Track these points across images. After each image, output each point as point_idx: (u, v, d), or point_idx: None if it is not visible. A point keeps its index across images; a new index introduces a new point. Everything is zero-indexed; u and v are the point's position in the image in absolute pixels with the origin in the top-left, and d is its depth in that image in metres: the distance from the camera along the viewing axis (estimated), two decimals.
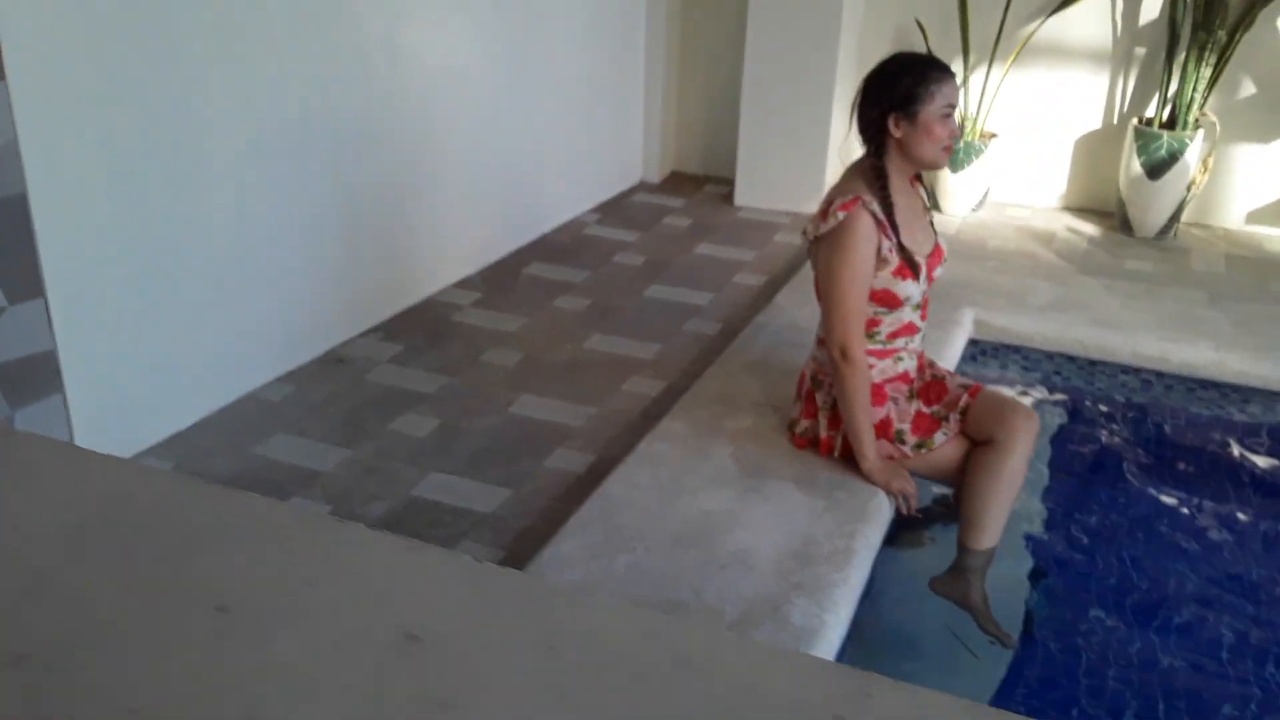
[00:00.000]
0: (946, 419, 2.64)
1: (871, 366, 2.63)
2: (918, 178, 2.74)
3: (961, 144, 4.66)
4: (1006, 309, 3.74)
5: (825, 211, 2.50)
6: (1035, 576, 2.74)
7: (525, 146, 4.48)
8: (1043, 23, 4.61)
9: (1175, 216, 4.49)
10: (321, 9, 3.31)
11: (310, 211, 3.39)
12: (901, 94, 2.45)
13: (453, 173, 4.06)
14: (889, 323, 2.61)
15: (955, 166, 4.70)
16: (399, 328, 3.76)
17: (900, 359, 2.67)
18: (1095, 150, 4.79)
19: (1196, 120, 4.39)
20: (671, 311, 3.93)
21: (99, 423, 2.75)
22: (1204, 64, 4.25)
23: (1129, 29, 4.59)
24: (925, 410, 2.67)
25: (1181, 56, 4.32)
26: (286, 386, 3.33)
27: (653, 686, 0.81)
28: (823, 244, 2.52)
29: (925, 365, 2.79)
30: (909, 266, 2.52)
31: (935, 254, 2.65)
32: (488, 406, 3.24)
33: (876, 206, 2.48)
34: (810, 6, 4.63)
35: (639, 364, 3.51)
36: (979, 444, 2.59)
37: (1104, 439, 3.43)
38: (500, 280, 4.21)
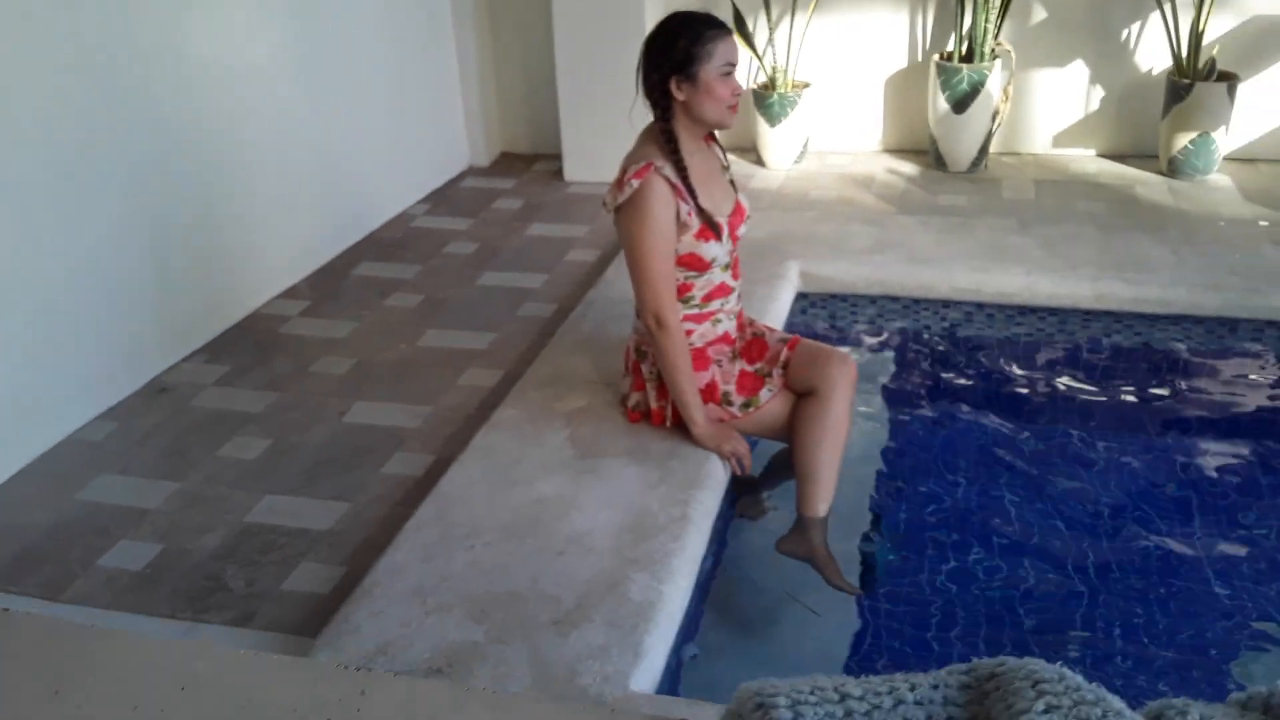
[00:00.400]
0: (770, 375, 2.69)
1: (691, 332, 2.66)
2: (712, 136, 2.76)
3: (775, 97, 4.72)
4: (828, 257, 3.82)
5: (620, 181, 2.50)
6: (878, 522, 2.83)
7: (339, 144, 4.36)
8: None
9: (984, 148, 4.65)
10: (83, 26, 3.14)
11: (108, 241, 3.22)
12: (679, 56, 2.45)
13: (262, 180, 3.92)
14: (700, 285, 2.63)
15: (771, 120, 4.76)
16: (224, 347, 3.63)
17: (719, 320, 2.70)
18: (905, 90, 4.92)
19: (993, 50, 4.54)
20: (505, 298, 3.89)
21: None
22: None
23: None
24: (749, 369, 2.71)
25: None
26: (109, 423, 3.19)
27: (151, 714, 0.81)
28: (621, 214, 2.53)
29: (745, 324, 2.83)
30: (710, 228, 2.54)
31: (737, 212, 2.67)
32: (319, 419, 3.16)
33: (670, 171, 2.49)
34: None
35: (474, 355, 3.48)
36: (802, 396, 2.65)
37: (932, 377, 3.56)
38: (328, 285, 4.11)
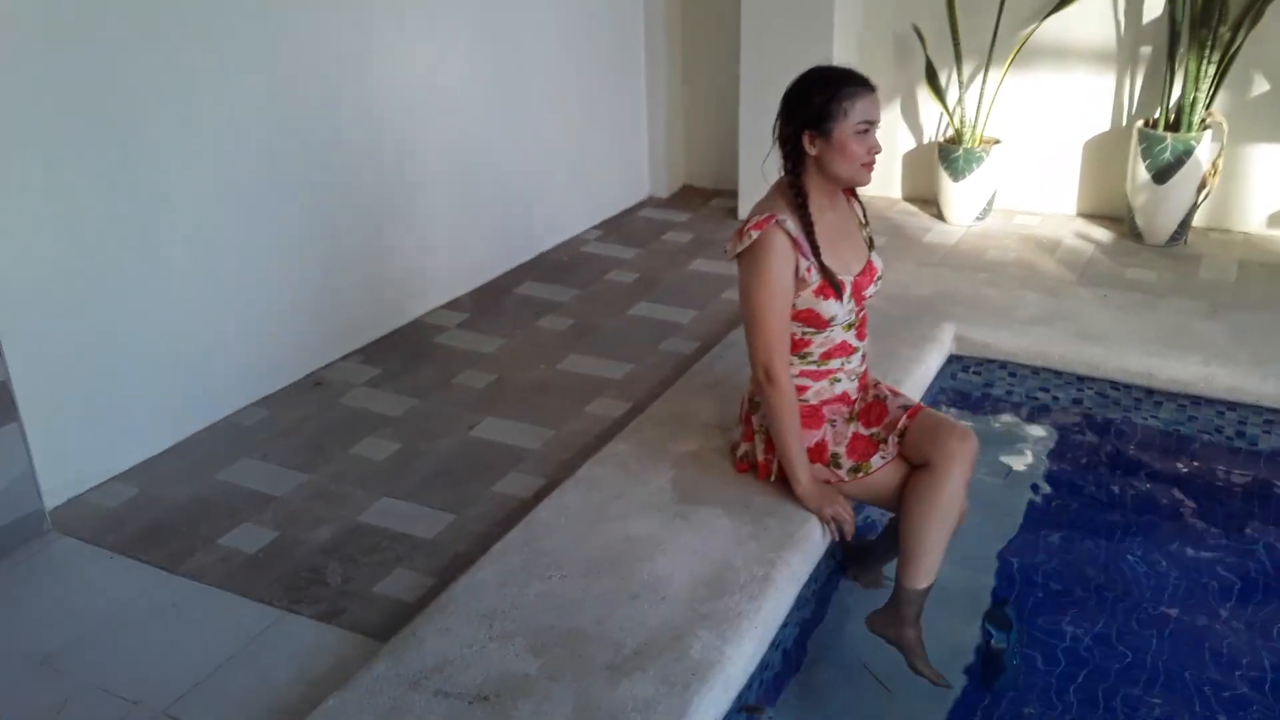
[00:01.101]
0: (885, 441, 2.57)
1: (806, 388, 2.58)
2: (852, 192, 2.68)
3: (960, 151, 4.54)
4: (989, 323, 3.63)
5: (741, 230, 2.47)
6: (1002, 615, 2.64)
7: (519, 165, 4.51)
8: (1039, 24, 4.47)
9: (1186, 222, 4.31)
10: (288, 32, 3.38)
11: (284, 240, 3.46)
12: (814, 111, 2.40)
13: (439, 195, 4.11)
14: (819, 343, 2.55)
15: (954, 175, 4.59)
16: (381, 350, 3.82)
17: (837, 380, 2.61)
18: (1105, 154, 4.63)
19: (1203, 121, 4.20)
20: (652, 330, 3.91)
21: (59, 451, 2.86)
22: (1206, 62, 4.07)
23: (1132, 27, 4.42)
24: (863, 432, 2.61)
25: (1183, 55, 4.14)
26: (262, 411, 3.41)
27: None
28: (740, 263, 2.49)
29: (869, 386, 2.72)
30: (830, 286, 2.47)
31: (866, 272, 2.58)
32: (449, 429, 3.27)
33: (793, 224, 2.43)
34: (804, 15, 4.57)
35: (607, 384, 3.51)
36: (916, 468, 2.53)
37: (1087, 462, 3.31)
38: (489, 301, 4.25)
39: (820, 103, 2.39)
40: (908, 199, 5.13)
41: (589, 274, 4.49)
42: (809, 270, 2.45)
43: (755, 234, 2.43)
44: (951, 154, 4.57)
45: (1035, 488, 3.17)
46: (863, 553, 2.77)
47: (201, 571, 2.63)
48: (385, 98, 3.78)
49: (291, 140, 3.44)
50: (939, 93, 4.61)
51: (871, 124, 2.42)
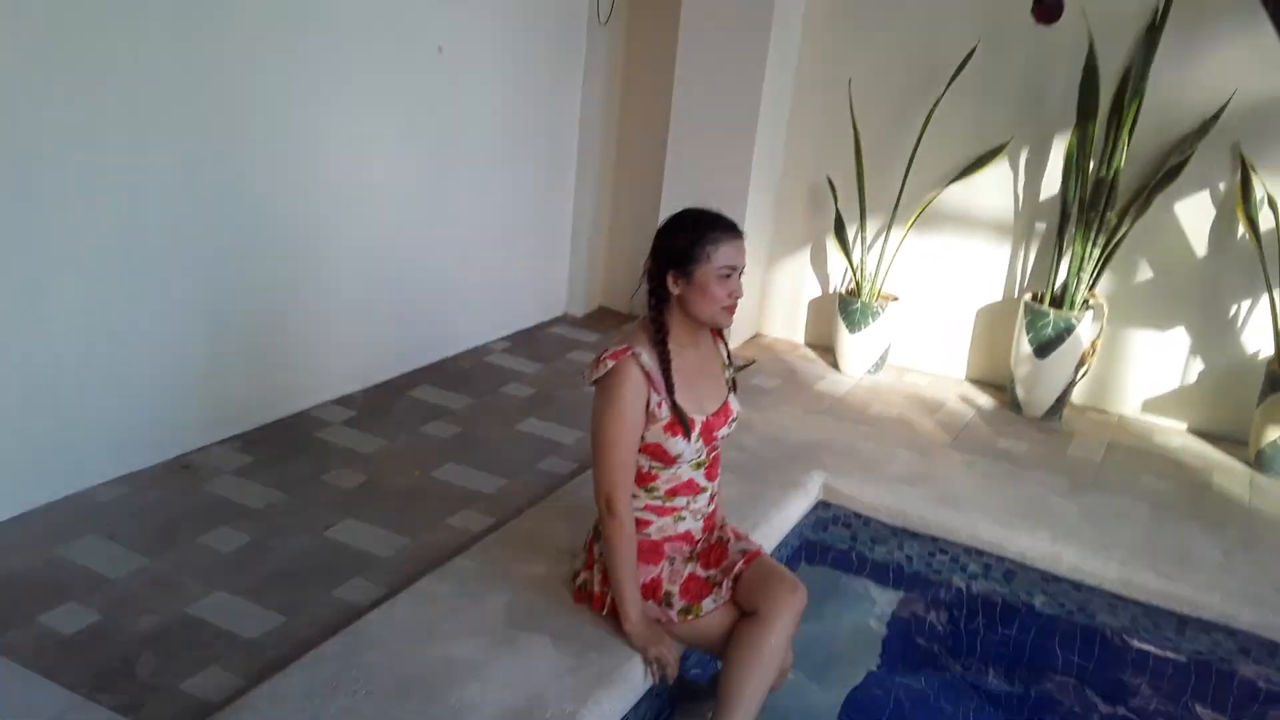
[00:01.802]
0: (719, 585, 2.60)
1: (650, 523, 2.62)
2: (718, 333, 2.76)
3: (858, 304, 4.70)
4: (856, 476, 3.71)
5: (599, 358, 2.53)
6: None
7: (434, 267, 4.58)
8: (942, 190, 4.70)
9: (1063, 398, 4.47)
10: (209, 101, 3.44)
11: (171, 315, 3.47)
12: (679, 252, 2.48)
13: (345, 288, 4.15)
14: (666, 479, 2.60)
15: (851, 326, 4.74)
16: (260, 439, 3.80)
17: (681, 518, 2.65)
18: (995, 323, 4.82)
19: (1086, 301, 4.40)
20: (535, 446, 3.94)
21: None
22: (1091, 244, 4.28)
23: (1030, 202, 4.66)
24: (700, 574, 2.63)
25: (1071, 235, 4.36)
26: (122, 488, 3.37)
27: None
28: (595, 392, 2.54)
29: (716, 526, 2.77)
30: (680, 423, 2.52)
31: (720, 414, 2.64)
32: (306, 527, 3.24)
33: (648, 359, 2.50)
34: (724, 157, 4.76)
35: (476, 498, 3.52)
36: (745, 615, 2.56)
37: (930, 625, 3.36)
38: (381, 400, 4.26)
39: (685, 245, 2.48)
40: (809, 344, 5.27)
41: (487, 384, 4.53)
42: (659, 405, 2.51)
43: (610, 363, 2.49)
44: (850, 306, 4.73)
45: (879, 646, 3.21)
46: (691, 697, 2.76)
47: (11, 647, 2.56)
48: (302, 182, 3.84)
49: (195, 213, 3.46)
50: (845, 245, 4.78)
51: (734, 269, 2.50)
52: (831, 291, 5.14)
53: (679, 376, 2.55)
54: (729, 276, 2.50)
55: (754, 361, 4.94)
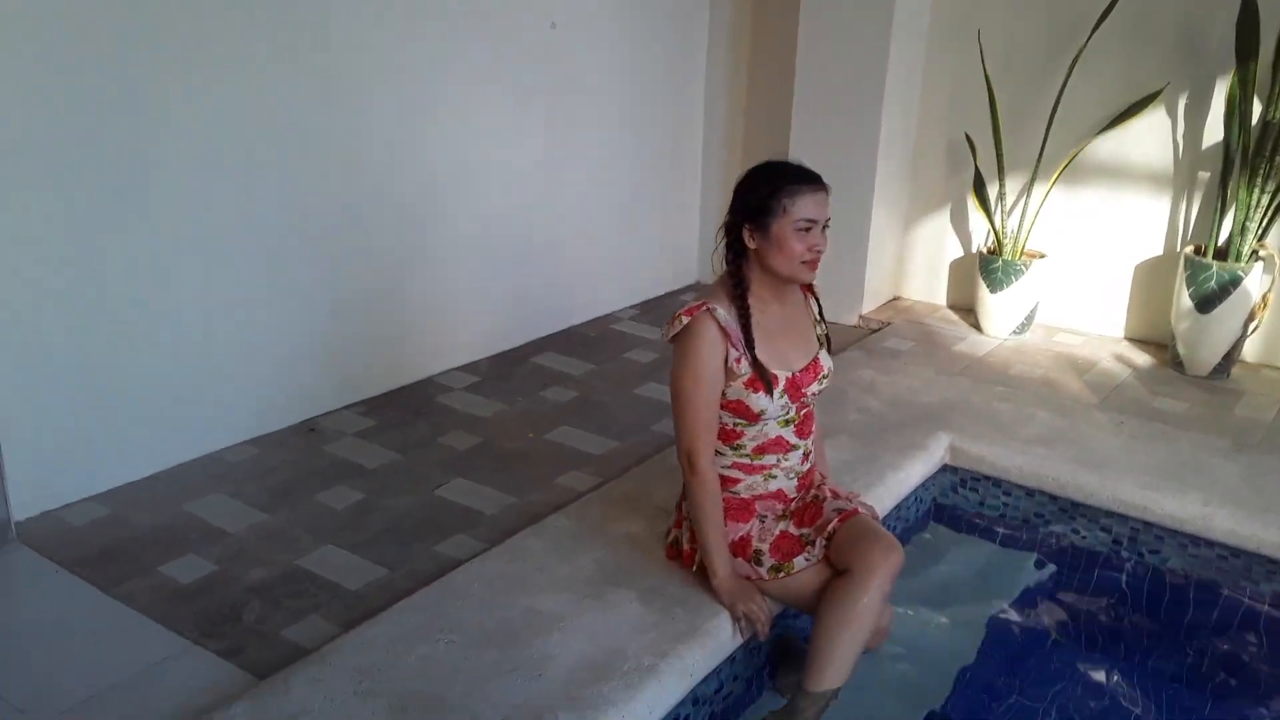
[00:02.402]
0: (812, 543, 2.48)
1: (738, 481, 2.53)
2: (809, 288, 2.64)
3: (1000, 262, 4.42)
4: (987, 438, 3.48)
5: (675, 316, 2.45)
6: None
7: (557, 243, 4.60)
8: (1090, 141, 4.36)
9: (1231, 355, 4.06)
10: (329, 82, 3.55)
11: (298, 287, 3.60)
12: (755, 205, 2.38)
13: (470, 259, 4.22)
14: (752, 436, 2.50)
15: (992, 286, 4.46)
16: (383, 404, 3.90)
17: (773, 476, 2.54)
18: (1155, 278, 4.44)
19: (1254, 252, 3.99)
20: (650, 410, 3.89)
21: (39, 466, 3.00)
22: (1260, 191, 3.88)
23: (1190, 151, 4.27)
24: (793, 532, 2.52)
25: (1236, 183, 3.96)
26: (251, 449, 3.52)
27: None
28: (674, 349, 2.46)
29: (812, 485, 2.64)
30: (761, 379, 2.42)
31: (809, 370, 2.51)
32: (417, 487, 3.30)
33: (725, 314, 2.40)
34: (852, 118, 4.57)
35: (586, 459, 3.49)
36: (838, 574, 2.43)
37: (1067, 593, 3.12)
38: (505, 367, 4.30)
39: (761, 197, 2.37)
40: (951, 306, 5.01)
41: (610, 351, 4.51)
42: (739, 361, 2.41)
43: (685, 319, 2.41)
44: (991, 265, 4.46)
45: (1009, 613, 2.99)
46: (793, 656, 2.65)
47: (132, 596, 2.70)
48: (418, 160, 3.91)
49: (312, 192, 3.58)
50: (984, 203, 4.51)
51: (814, 222, 2.38)
52: (973, 251, 4.86)
53: (761, 333, 2.44)
54: (808, 230, 2.37)
55: (887, 324, 4.73)
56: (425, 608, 2.50)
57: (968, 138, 4.55)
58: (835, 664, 2.33)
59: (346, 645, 2.36)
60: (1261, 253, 4.03)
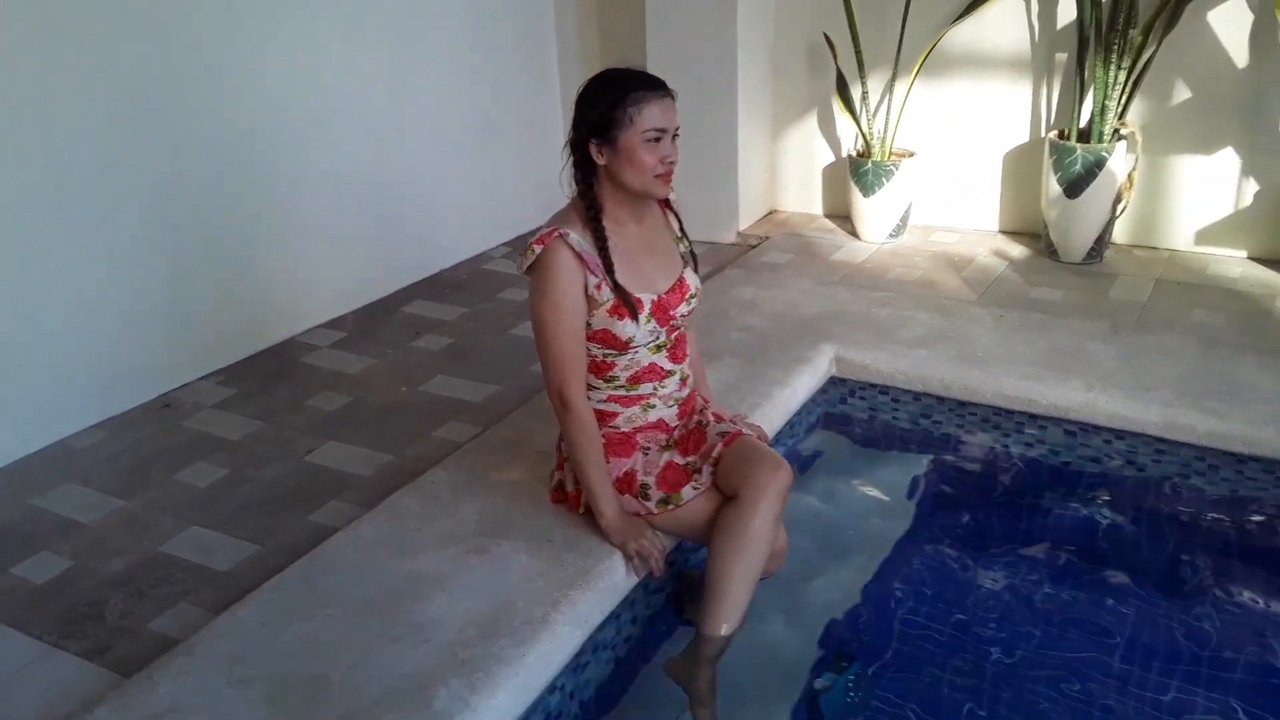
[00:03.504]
0: (699, 471, 2.39)
1: (616, 414, 2.41)
2: (666, 203, 2.51)
3: (869, 165, 4.36)
4: (870, 345, 3.44)
5: (527, 246, 2.30)
6: (845, 659, 2.44)
7: (418, 178, 4.38)
8: (945, 33, 4.30)
9: (1103, 239, 4.10)
10: (138, 22, 3.25)
11: (123, 256, 3.31)
12: (598, 117, 2.23)
13: (324, 209, 3.97)
14: (624, 365, 2.37)
15: (865, 190, 4.40)
16: (244, 371, 3.67)
17: (651, 406, 2.43)
18: (1023, 167, 4.44)
19: (1116, 131, 4.00)
20: (528, 351, 3.70)
21: None
22: (1116, 69, 3.87)
23: (1046, 32, 4.23)
24: (678, 461, 2.42)
25: (1093, 62, 3.95)
26: (100, 433, 3.27)
27: None
28: (530, 281, 2.32)
29: (694, 411, 2.54)
30: (625, 305, 2.29)
31: (675, 290, 2.39)
32: (285, 454, 3.11)
33: (579, 238, 2.26)
34: (708, 26, 4.42)
35: (464, 408, 3.34)
36: (727, 500, 2.34)
37: (961, 495, 3.10)
38: (372, 320, 4.10)
39: (605, 108, 2.21)
40: (827, 215, 4.95)
41: (482, 292, 4.33)
42: (599, 287, 2.27)
43: (537, 249, 2.26)
44: (861, 168, 4.39)
45: (906, 520, 2.96)
46: (695, 591, 2.57)
47: None
48: (248, 98, 3.63)
49: (130, 145, 3.28)
50: (849, 105, 4.43)
51: (663, 131, 2.23)
52: (844, 155, 4.79)
53: (620, 255, 2.30)
54: (658, 140, 2.22)
55: (765, 238, 4.65)
56: (299, 582, 2.34)
57: (826, 37, 4.45)
58: (732, 599, 2.24)
59: (216, 631, 2.19)
60: (1124, 131, 4.04)
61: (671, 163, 2.27)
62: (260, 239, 3.76)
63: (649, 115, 2.20)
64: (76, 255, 3.18)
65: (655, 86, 2.24)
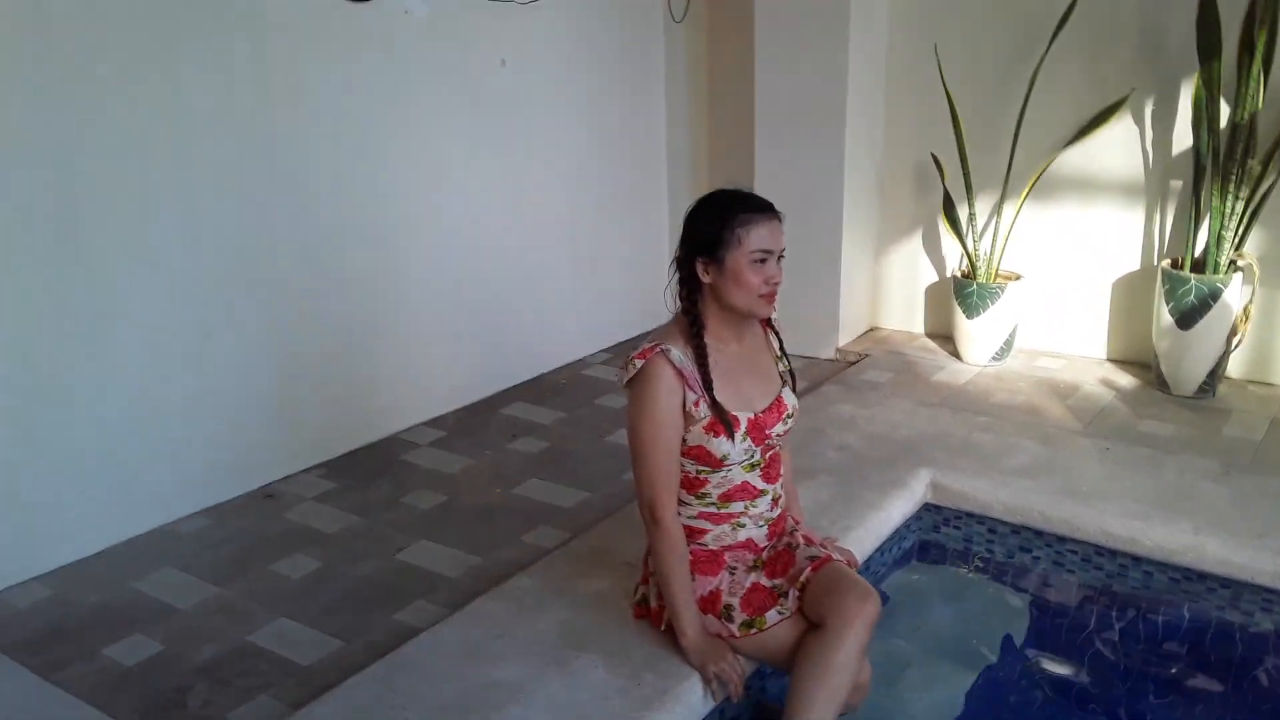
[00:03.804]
0: (785, 595, 2.34)
1: (706, 532, 2.40)
2: (768, 323, 2.52)
3: (974, 286, 4.32)
4: (969, 472, 3.36)
5: (628, 359, 2.33)
6: None
7: (520, 287, 4.50)
8: (1056, 156, 4.28)
9: (1216, 372, 3.96)
10: (267, 130, 3.43)
11: (241, 353, 3.47)
12: (707, 237, 2.27)
13: (430, 310, 4.10)
14: (716, 483, 2.37)
15: (969, 312, 4.36)
16: (346, 465, 3.77)
17: (741, 525, 2.41)
18: (1133, 295, 4.34)
19: (1233, 262, 3.89)
20: (621, 458, 3.72)
21: None
22: (1234, 198, 3.79)
23: (1160, 159, 4.18)
24: (765, 584, 2.38)
25: (1209, 190, 3.87)
26: (204, 520, 3.38)
27: None
28: (628, 394, 2.34)
29: (785, 532, 2.51)
30: (721, 423, 2.29)
31: (773, 409, 2.39)
32: (378, 551, 3.16)
33: (679, 354, 2.28)
34: (816, 147, 4.49)
35: (555, 513, 3.36)
36: (813, 626, 2.29)
37: (1058, 634, 2.98)
38: (473, 420, 4.18)
39: (714, 229, 2.26)
40: (929, 335, 4.90)
41: (581, 398, 4.39)
42: (697, 404, 2.29)
43: (639, 363, 2.29)
44: (965, 289, 4.36)
45: (997, 660, 2.85)
46: (769, 718, 2.51)
47: (73, 681, 2.55)
48: (366, 207, 3.80)
49: (266, 239, 3.47)
50: (955, 225, 4.42)
51: (769, 253, 2.26)
52: (948, 275, 4.76)
53: (720, 373, 2.32)
54: (764, 261, 2.25)
55: (865, 356, 4.62)
56: (378, 682, 2.36)
57: (934, 158, 4.47)
58: None
59: None
60: (1240, 262, 3.94)
61: (776, 284, 2.29)
62: (371, 338, 3.90)
63: (756, 237, 2.24)
64: (198, 345, 3.34)
65: (763, 209, 2.28)
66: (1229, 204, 3.81)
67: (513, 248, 4.42)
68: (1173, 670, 2.80)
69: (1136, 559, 3.02)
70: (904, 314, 4.98)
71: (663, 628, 2.45)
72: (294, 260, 3.58)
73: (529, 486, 3.56)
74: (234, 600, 2.91)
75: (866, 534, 3.03)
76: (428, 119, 3.96)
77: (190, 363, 3.33)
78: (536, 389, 4.51)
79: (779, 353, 2.53)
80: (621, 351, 4.95)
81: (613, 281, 5.01)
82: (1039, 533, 3.18)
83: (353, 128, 3.70)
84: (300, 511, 3.42)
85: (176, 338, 3.28)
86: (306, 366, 3.68)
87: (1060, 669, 2.83)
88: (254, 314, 3.49)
